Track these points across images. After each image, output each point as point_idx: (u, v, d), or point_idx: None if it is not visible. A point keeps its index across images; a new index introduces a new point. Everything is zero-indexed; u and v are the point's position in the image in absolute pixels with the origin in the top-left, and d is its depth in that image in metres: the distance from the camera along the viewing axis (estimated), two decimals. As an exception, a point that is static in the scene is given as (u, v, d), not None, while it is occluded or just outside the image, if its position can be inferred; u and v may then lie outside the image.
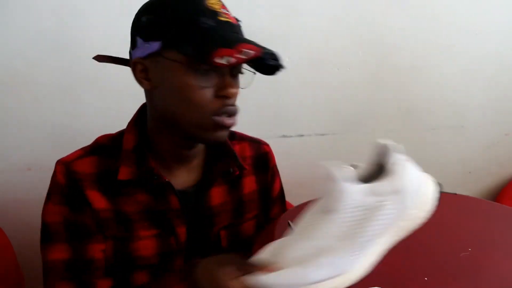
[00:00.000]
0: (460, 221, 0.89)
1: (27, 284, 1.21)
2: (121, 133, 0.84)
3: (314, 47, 1.37)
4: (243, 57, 0.68)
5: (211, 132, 0.75)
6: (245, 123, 1.42)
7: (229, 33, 0.72)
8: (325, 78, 1.41)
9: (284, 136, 1.45)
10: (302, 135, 1.46)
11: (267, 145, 0.98)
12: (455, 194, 1.03)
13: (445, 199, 1.00)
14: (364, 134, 1.50)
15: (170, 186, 0.80)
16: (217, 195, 0.86)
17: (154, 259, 0.80)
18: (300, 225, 0.57)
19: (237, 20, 0.76)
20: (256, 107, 1.38)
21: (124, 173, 0.78)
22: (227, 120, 0.74)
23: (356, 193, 0.54)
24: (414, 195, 0.58)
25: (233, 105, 0.75)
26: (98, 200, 0.77)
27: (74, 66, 1.23)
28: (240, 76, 0.77)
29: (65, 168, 0.78)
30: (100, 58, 0.83)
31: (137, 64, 0.76)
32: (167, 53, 0.71)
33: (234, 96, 0.74)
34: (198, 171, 0.86)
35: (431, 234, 0.84)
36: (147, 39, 0.73)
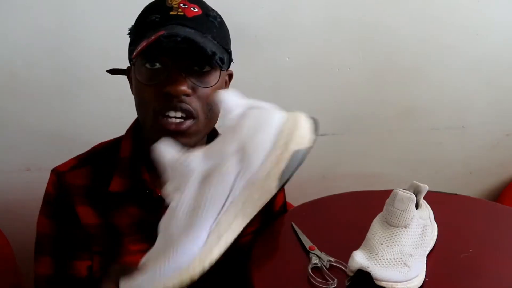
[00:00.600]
0: (461, 222, 0.89)
1: (25, 284, 1.20)
2: (118, 140, 0.82)
3: (314, 48, 1.37)
4: (143, 45, 0.64)
5: (157, 134, 0.67)
6: (245, 123, 1.42)
7: (164, 26, 0.67)
8: (325, 78, 1.41)
9: (284, 136, 1.44)
10: (302, 136, 1.45)
11: None
12: (456, 194, 1.03)
13: (446, 200, 1.00)
14: (364, 135, 1.49)
15: (162, 201, 0.76)
16: None
17: None
18: (372, 236, 0.67)
19: (207, 15, 0.72)
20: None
21: (116, 185, 0.76)
22: (169, 123, 0.68)
23: (417, 214, 0.66)
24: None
25: (179, 102, 0.68)
26: (87, 215, 0.76)
27: (74, 67, 1.23)
28: (210, 74, 0.71)
29: (57, 180, 0.77)
30: (113, 72, 0.83)
31: (128, 72, 0.78)
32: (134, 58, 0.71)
33: (177, 93, 0.67)
34: None
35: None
36: (129, 47, 0.75)
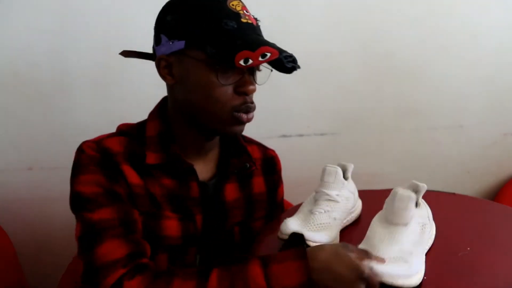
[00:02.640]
0: (459, 221, 0.90)
1: (27, 282, 1.21)
2: (142, 123, 0.87)
3: (314, 47, 1.37)
4: (262, 59, 0.73)
5: (230, 126, 0.81)
6: (245, 123, 1.43)
7: (250, 35, 0.77)
8: (325, 78, 1.42)
9: (284, 136, 1.45)
10: (301, 135, 1.46)
11: (274, 151, 1.03)
12: (454, 193, 1.04)
13: (444, 199, 1.00)
14: (363, 134, 1.50)
15: (194, 173, 0.84)
16: (231, 190, 0.90)
17: (178, 241, 0.83)
18: (372, 234, 0.72)
19: (256, 20, 0.82)
20: (256, 107, 1.38)
21: (152, 158, 0.82)
22: (245, 116, 0.81)
23: (416, 213, 0.74)
24: None
25: (252, 102, 0.81)
26: (132, 175, 0.80)
27: (74, 66, 1.23)
28: (257, 72, 0.82)
29: (96, 145, 0.80)
30: (126, 54, 0.86)
31: (161, 61, 0.80)
32: (191, 52, 0.77)
33: (252, 92, 0.80)
34: (213, 164, 0.90)
35: (430, 234, 0.84)
36: (171, 37, 0.78)
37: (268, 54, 0.73)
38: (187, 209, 0.84)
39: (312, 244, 0.75)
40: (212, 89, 0.78)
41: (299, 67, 0.81)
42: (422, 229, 0.75)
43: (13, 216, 1.25)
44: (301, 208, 0.85)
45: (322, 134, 1.48)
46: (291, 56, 0.78)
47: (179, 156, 0.83)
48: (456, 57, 1.49)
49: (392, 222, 0.72)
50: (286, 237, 0.77)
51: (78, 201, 0.77)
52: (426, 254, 0.75)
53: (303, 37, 1.36)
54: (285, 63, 0.78)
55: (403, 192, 0.73)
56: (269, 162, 1.00)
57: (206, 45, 0.76)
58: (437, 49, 1.46)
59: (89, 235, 0.75)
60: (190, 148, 0.86)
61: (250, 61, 0.73)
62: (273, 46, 0.76)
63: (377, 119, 1.50)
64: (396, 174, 1.55)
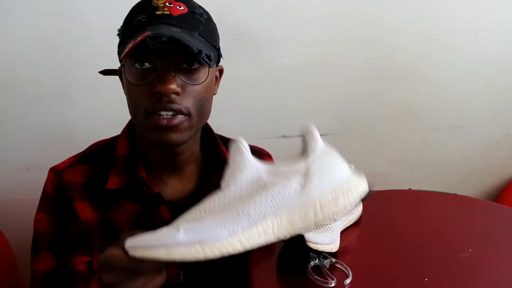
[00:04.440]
0: (460, 222, 0.89)
1: (25, 284, 1.20)
2: (115, 139, 0.83)
3: (314, 48, 1.37)
4: (130, 46, 0.65)
5: (152, 132, 0.71)
6: (245, 123, 1.42)
7: (150, 26, 0.68)
8: (325, 78, 1.41)
9: (284, 136, 1.44)
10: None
11: (269, 156, 0.95)
12: (455, 194, 1.03)
13: (445, 200, 1.00)
14: (364, 135, 1.49)
15: (159, 197, 0.78)
16: None
17: None
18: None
19: (193, 12, 0.72)
20: (256, 107, 1.37)
21: (114, 182, 0.77)
22: (160, 120, 0.69)
23: (254, 170, 0.55)
24: (326, 182, 0.54)
25: (170, 101, 0.69)
26: (86, 211, 0.76)
27: (74, 67, 1.23)
28: (198, 71, 0.72)
29: (55, 177, 0.78)
30: (106, 73, 0.86)
31: (120, 73, 0.79)
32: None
33: (166, 92, 0.68)
34: (193, 180, 0.83)
35: (431, 235, 0.84)
36: (118, 46, 0.77)
37: (138, 39, 0.64)
38: None
39: (313, 245, 0.74)
40: (130, 90, 0.72)
41: (189, 47, 0.65)
42: (261, 190, 0.61)
43: (11, 216, 1.24)
44: None
45: (322, 135, 1.46)
46: (162, 35, 0.64)
47: (141, 180, 0.77)
48: (458, 57, 1.48)
49: (224, 182, 0.61)
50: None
51: (32, 239, 0.78)
52: (427, 255, 0.74)
53: (304, 37, 1.35)
54: (148, 43, 0.63)
55: (243, 144, 0.62)
56: None
57: (119, 47, 0.74)
58: (438, 50, 1.46)
59: (30, 282, 0.78)
60: (159, 165, 0.80)
61: (126, 49, 0.65)
62: (158, 30, 0.65)
63: (378, 120, 1.50)
64: (397, 175, 1.54)
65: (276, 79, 1.37)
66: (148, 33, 0.65)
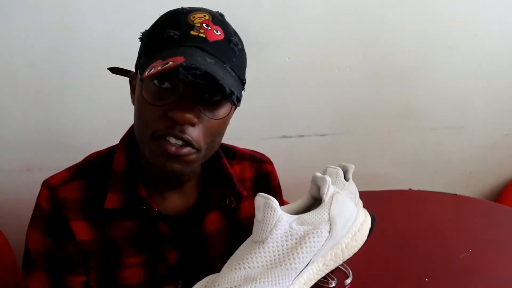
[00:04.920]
0: (460, 222, 0.89)
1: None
2: (112, 150, 0.77)
3: (314, 48, 1.37)
4: (161, 68, 0.58)
5: (159, 158, 0.65)
6: (245, 124, 1.42)
7: (182, 46, 0.63)
8: (325, 78, 1.41)
9: (284, 136, 1.44)
10: (302, 136, 1.46)
11: (270, 164, 0.90)
12: (456, 194, 1.03)
13: (446, 200, 1.00)
14: (364, 135, 1.49)
15: (159, 215, 0.74)
16: (212, 222, 0.79)
17: (142, 287, 0.75)
18: (232, 257, 0.59)
19: (229, 40, 0.67)
20: (256, 108, 1.37)
21: (112, 201, 0.72)
22: (169, 146, 0.63)
23: (285, 222, 0.58)
24: (345, 224, 0.62)
25: (183, 132, 0.63)
26: (82, 231, 0.72)
27: (74, 67, 1.23)
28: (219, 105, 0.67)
29: (50, 194, 0.73)
30: (115, 71, 0.78)
31: (132, 78, 0.74)
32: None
33: (182, 121, 0.62)
34: (193, 195, 0.79)
35: (431, 235, 0.84)
36: (140, 53, 0.70)
37: (170, 63, 0.58)
38: (158, 248, 0.75)
39: None
40: (141, 107, 0.66)
41: (222, 86, 0.59)
42: (296, 241, 0.58)
43: (11, 217, 1.24)
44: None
45: (323, 135, 1.47)
46: (197, 68, 0.58)
47: (142, 199, 0.72)
48: (458, 57, 1.48)
49: (254, 239, 0.60)
50: None
51: (24, 255, 0.74)
52: (427, 256, 0.74)
53: (304, 37, 1.35)
54: (180, 74, 0.57)
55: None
56: (264, 179, 0.87)
57: (141, 56, 0.67)
58: (438, 50, 1.46)
59: None
60: (160, 181, 0.75)
61: (153, 70, 0.58)
62: (195, 60, 0.59)
63: (378, 120, 1.50)
64: (397, 175, 1.54)
65: (276, 79, 1.37)
66: (182, 60, 0.58)
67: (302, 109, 1.43)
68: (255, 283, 0.54)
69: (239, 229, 0.82)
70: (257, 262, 0.56)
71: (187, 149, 0.64)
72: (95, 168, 0.75)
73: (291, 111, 1.42)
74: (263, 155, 0.91)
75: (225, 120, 0.69)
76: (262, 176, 0.87)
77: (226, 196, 0.79)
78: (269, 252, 0.56)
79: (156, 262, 0.75)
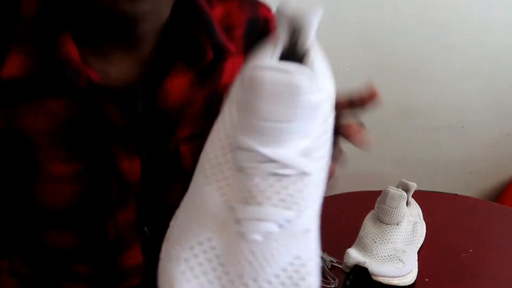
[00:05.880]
0: (461, 222, 0.89)
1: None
2: None
3: (314, 47, 1.37)
4: None
5: None
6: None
7: None
8: (325, 78, 1.41)
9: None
10: (302, 136, 1.46)
11: (267, 8, 0.60)
12: (456, 194, 1.03)
13: (446, 200, 1.00)
14: (364, 135, 1.49)
15: (100, 90, 0.46)
16: (178, 88, 0.50)
17: (75, 214, 0.49)
18: (365, 234, 0.73)
19: None
20: None
21: (15, 66, 0.44)
22: None
23: (407, 212, 0.77)
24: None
25: None
26: None
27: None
28: None
29: None
30: None
31: None
32: None
33: None
34: (153, 56, 0.50)
35: (432, 235, 0.84)
36: None
37: None
38: (100, 151, 0.48)
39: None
40: None
41: None
42: (413, 227, 0.75)
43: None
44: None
45: (322, 135, 1.47)
46: None
47: (66, 61, 0.44)
48: (458, 57, 1.48)
49: (384, 221, 0.72)
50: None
51: None
52: (428, 256, 0.74)
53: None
54: None
55: (394, 191, 0.73)
56: (258, 28, 0.57)
57: None
58: (439, 49, 1.46)
59: None
60: (101, 37, 0.46)
61: None
62: None
63: (378, 119, 1.49)
64: (397, 175, 1.53)
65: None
66: None
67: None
68: None
69: (218, 101, 0.47)
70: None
71: None
72: None
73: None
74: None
75: None
76: (258, 21, 0.58)
77: (199, 46, 0.50)
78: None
79: (101, 173, 0.49)
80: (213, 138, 0.37)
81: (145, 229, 0.54)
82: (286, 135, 0.35)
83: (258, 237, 0.33)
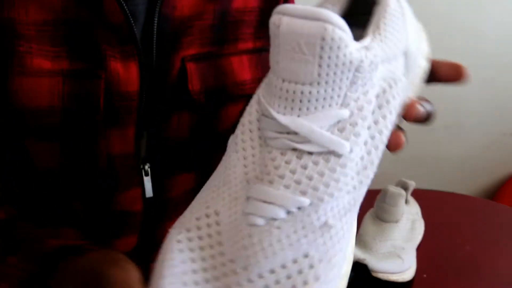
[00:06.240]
0: (458, 220, 0.90)
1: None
2: None
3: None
4: None
5: None
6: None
7: None
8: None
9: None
10: (301, 134, 1.46)
11: None
12: (454, 193, 1.04)
13: (443, 198, 1.00)
14: (363, 134, 1.50)
15: None
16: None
17: (59, 121, 0.42)
18: (364, 232, 0.73)
19: None
20: None
21: None
22: None
23: (406, 210, 0.77)
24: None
25: None
26: None
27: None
28: None
29: None
30: None
31: None
32: None
33: None
34: None
35: (430, 232, 0.84)
36: None
37: None
38: (92, 49, 0.42)
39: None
40: None
41: None
42: (412, 225, 0.76)
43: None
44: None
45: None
46: None
47: None
48: (456, 57, 1.47)
49: (384, 219, 0.73)
50: None
51: None
52: (426, 254, 0.75)
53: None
54: None
55: (393, 190, 0.74)
56: None
57: None
58: (437, 48, 1.46)
59: None
60: None
61: None
62: None
63: (377, 119, 1.50)
64: (394, 174, 1.54)
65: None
66: None
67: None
68: None
69: (228, 23, 0.48)
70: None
71: None
72: None
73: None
74: None
75: None
76: None
77: None
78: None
79: (88, 76, 0.42)
80: (253, 99, 0.32)
81: (147, 167, 0.46)
82: (310, 100, 0.28)
83: (259, 221, 0.28)
